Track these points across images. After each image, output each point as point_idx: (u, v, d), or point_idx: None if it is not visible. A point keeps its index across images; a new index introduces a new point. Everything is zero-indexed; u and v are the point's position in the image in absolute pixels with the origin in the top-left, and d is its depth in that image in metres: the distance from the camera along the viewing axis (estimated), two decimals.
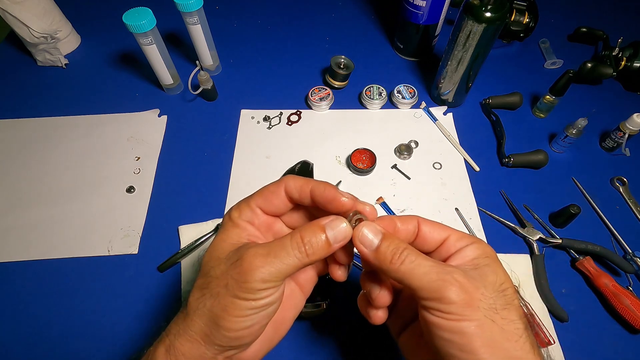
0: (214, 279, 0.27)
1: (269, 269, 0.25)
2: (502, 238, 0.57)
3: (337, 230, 0.26)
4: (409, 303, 0.31)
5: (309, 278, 0.32)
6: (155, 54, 0.65)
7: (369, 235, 0.27)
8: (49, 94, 0.74)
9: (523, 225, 0.57)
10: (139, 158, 0.65)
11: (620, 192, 0.61)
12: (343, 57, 0.72)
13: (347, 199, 0.28)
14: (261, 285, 0.25)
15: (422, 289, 0.24)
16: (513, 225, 0.57)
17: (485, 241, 0.31)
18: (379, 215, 0.29)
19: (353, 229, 0.27)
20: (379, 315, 0.30)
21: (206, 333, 0.26)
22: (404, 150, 0.64)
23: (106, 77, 0.76)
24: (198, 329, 0.26)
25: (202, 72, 0.67)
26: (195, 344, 0.26)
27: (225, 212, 0.31)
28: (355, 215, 0.27)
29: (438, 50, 0.79)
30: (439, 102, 0.72)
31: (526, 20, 0.76)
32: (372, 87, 0.71)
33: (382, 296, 0.29)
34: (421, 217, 0.29)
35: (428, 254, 0.28)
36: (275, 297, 0.26)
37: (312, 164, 0.62)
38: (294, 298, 0.32)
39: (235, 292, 0.25)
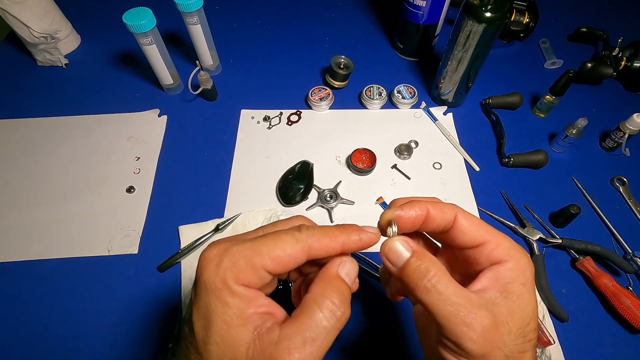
0: None
1: None
2: None
3: (352, 275, 0.25)
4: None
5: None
6: (155, 54, 0.65)
7: (395, 253, 0.25)
8: (49, 94, 0.74)
9: (523, 225, 0.57)
10: (139, 158, 0.65)
11: (620, 192, 0.61)
12: (343, 57, 0.72)
13: (375, 233, 0.26)
14: None
15: (443, 327, 0.23)
16: (513, 225, 0.57)
17: None
18: (403, 200, 0.28)
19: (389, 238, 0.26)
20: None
21: None
22: (404, 150, 0.64)
23: (106, 77, 0.76)
24: None
25: (202, 72, 0.67)
26: None
27: (206, 259, 0.22)
28: (392, 227, 0.26)
29: (438, 50, 0.79)
30: (439, 102, 0.72)
31: (526, 20, 0.76)
32: (372, 87, 0.71)
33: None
34: (461, 209, 0.27)
35: (462, 249, 0.27)
36: None
37: (312, 164, 0.63)
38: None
39: None
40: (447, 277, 0.24)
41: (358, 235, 0.25)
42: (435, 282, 0.23)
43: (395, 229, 0.26)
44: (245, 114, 0.71)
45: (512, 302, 0.24)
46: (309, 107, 0.71)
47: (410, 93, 0.70)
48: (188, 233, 0.56)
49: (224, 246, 0.23)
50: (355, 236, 0.25)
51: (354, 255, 0.54)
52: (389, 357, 0.47)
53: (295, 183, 0.59)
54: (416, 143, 0.66)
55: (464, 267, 0.28)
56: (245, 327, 0.21)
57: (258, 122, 0.69)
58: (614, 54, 0.73)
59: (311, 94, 0.70)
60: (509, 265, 0.25)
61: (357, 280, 0.27)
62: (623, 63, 0.72)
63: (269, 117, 0.70)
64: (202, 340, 0.22)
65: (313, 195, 0.60)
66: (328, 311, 0.22)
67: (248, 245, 0.23)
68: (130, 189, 0.61)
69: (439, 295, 0.23)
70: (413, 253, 0.25)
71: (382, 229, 0.27)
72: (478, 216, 0.58)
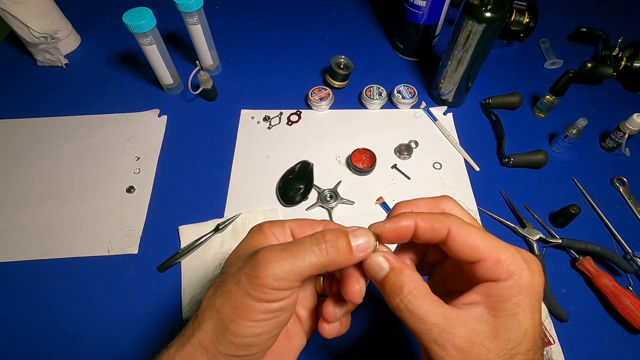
0: (228, 276, 0.25)
1: (283, 265, 0.23)
2: (502, 238, 0.54)
3: (361, 240, 0.25)
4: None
5: (308, 316, 0.31)
6: (155, 54, 0.65)
7: (374, 268, 0.25)
8: (49, 94, 0.74)
9: (523, 225, 0.57)
10: (139, 158, 0.65)
11: (620, 192, 0.61)
12: (343, 57, 0.72)
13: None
14: (274, 282, 0.23)
15: (419, 343, 0.24)
16: (513, 225, 0.57)
17: None
18: (403, 206, 0.28)
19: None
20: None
21: (211, 339, 0.24)
22: (404, 150, 0.64)
23: (106, 77, 0.76)
24: (204, 335, 0.24)
25: (202, 72, 0.67)
26: (197, 356, 0.24)
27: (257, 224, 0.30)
28: (375, 240, 0.26)
29: (438, 50, 0.79)
30: (439, 102, 0.72)
31: (526, 20, 0.76)
32: (372, 87, 0.71)
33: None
34: (458, 220, 0.25)
35: (467, 263, 0.25)
36: (290, 303, 0.25)
37: (312, 164, 0.63)
38: (296, 326, 0.30)
39: (247, 289, 0.23)
40: (422, 295, 0.23)
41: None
42: (407, 301, 0.23)
43: (377, 243, 0.26)
44: (245, 114, 0.71)
45: (501, 321, 0.23)
46: (309, 107, 0.71)
47: (410, 93, 0.70)
48: (188, 233, 0.56)
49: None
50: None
51: None
52: (390, 358, 0.47)
53: (295, 183, 0.59)
54: (416, 143, 0.66)
55: (469, 274, 0.27)
56: (255, 247, 0.27)
57: (258, 122, 0.69)
58: (614, 54, 0.73)
59: (311, 94, 0.70)
60: (505, 283, 0.23)
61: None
62: (623, 63, 0.72)
63: (269, 117, 0.70)
64: (228, 257, 0.28)
65: (313, 195, 0.60)
66: (315, 238, 0.25)
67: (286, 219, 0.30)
68: (130, 189, 0.61)
69: (410, 314, 0.23)
70: (391, 269, 0.25)
71: None
72: (478, 217, 0.59)
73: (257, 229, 0.29)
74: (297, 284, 0.25)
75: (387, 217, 0.28)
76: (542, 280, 0.24)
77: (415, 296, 0.23)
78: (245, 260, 0.25)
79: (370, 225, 0.27)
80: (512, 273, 0.23)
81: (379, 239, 0.26)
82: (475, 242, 0.24)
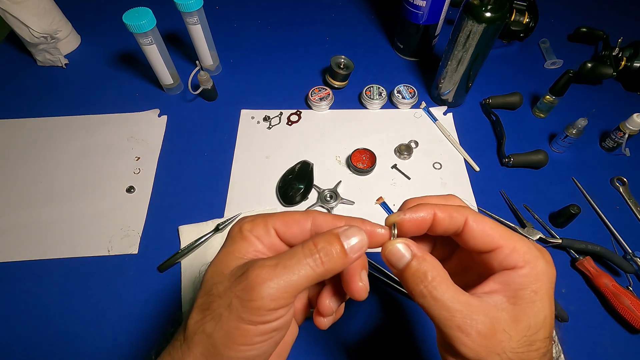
0: (216, 297, 0.23)
1: (277, 283, 0.22)
2: None
3: (354, 240, 0.24)
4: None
5: (302, 308, 0.30)
6: (155, 54, 0.65)
7: (395, 256, 0.25)
8: (49, 94, 0.74)
9: (523, 225, 0.57)
10: (139, 158, 0.65)
11: (620, 192, 0.61)
12: (343, 57, 0.72)
13: (384, 229, 0.26)
14: (270, 303, 0.22)
15: (440, 331, 0.24)
16: (513, 225, 0.57)
17: None
18: (415, 201, 0.28)
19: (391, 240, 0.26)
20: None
21: None
22: (404, 150, 0.64)
23: (106, 77, 0.76)
24: None
25: (202, 72, 0.67)
26: None
27: (235, 222, 0.28)
28: (394, 229, 0.26)
29: (438, 50, 0.79)
30: (439, 102, 0.72)
31: (526, 20, 0.76)
32: (372, 87, 0.71)
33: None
34: (473, 211, 0.26)
35: (475, 253, 0.26)
36: (286, 320, 0.24)
37: (312, 164, 0.63)
38: (293, 325, 0.30)
39: (241, 314, 0.22)
40: (445, 282, 0.24)
41: (365, 226, 0.26)
42: (431, 288, 0.23)
43: (396, 231, 0.26)
44: (245, 114, 0.71)
45: (520, 309, 0.23)
46: (309, 107, 0.71)
47: (410, 93, 0.70)
48: (188, 233, 0.56)
49: (254, 215, 0.28)
50: (360, 223, 0.26)
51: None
52: (386, 346, 0.48)
53: (295, 183, 0.59)
54: (416, 143, 0.66)
55: (480, 268, 0.27)
56: (241, 260, 0.25)
57: (258, 122, 0.69)
58: (614, 54, 0.73)
59: (311, 94, 0.70)
60: (522, 271, 0.24)
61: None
62: (623, 63, 0.72)
63: (269, 117, 0.70)
64: (207, 269, 0.26)
65: (313, 195, 0.60)
66: (307, 249, 0.23)
67: (268, 214, 0.27)
68: (130, 189, 0.61)
69: (434, 300, 0.23)
70: (413, 256, 0.25)
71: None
72: None
73: (238, 233, 0.26)
74: (294, 300, 0.24)
75: (400, 210, 0.27)
76: (554, 270, 0.25)
77: (439, 282, 0.23)
78: (233, 279, 0.23)
79: (389, 215, 0.27)
80: (527, 261, 0.24)
81: (397, 229, 0.26)
82: (492, 230, 0.25)
